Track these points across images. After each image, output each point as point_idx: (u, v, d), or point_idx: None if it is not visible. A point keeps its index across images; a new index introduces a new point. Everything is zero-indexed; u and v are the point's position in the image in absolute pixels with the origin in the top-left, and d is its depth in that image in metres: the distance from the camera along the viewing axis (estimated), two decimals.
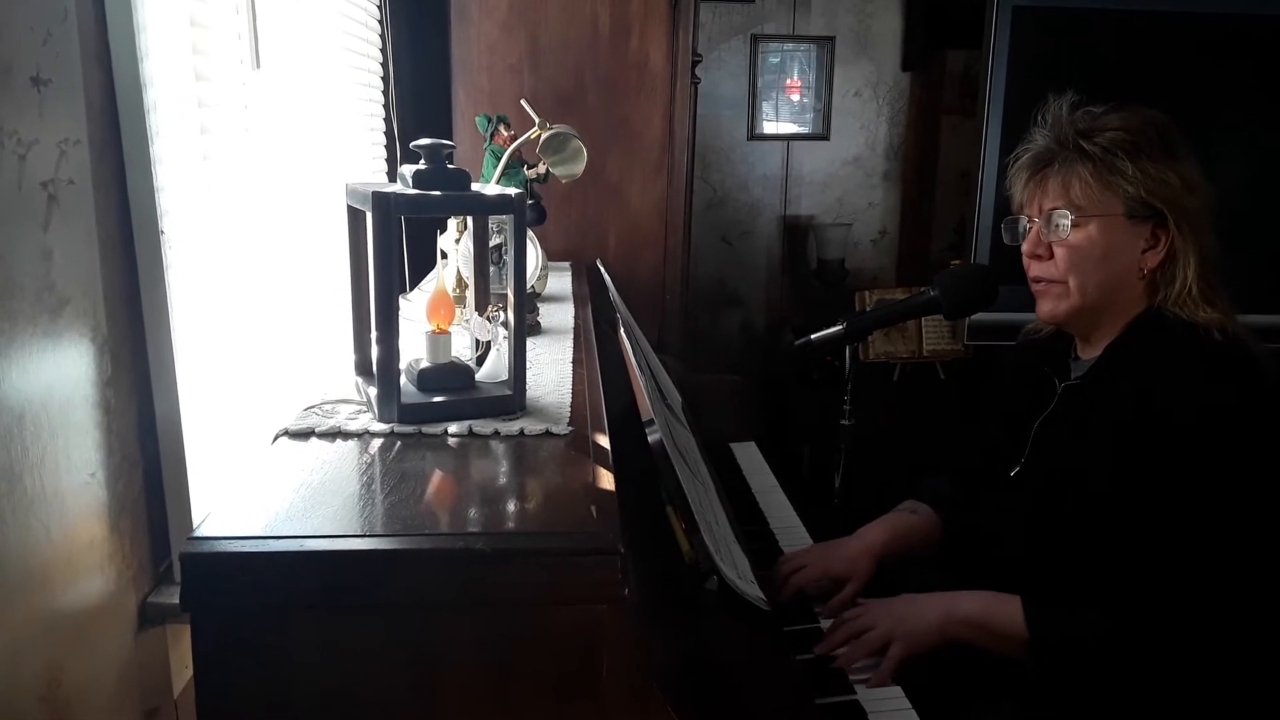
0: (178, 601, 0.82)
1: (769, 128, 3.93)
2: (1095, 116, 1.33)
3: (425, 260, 2.05)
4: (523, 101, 1.60)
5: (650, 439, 1.23)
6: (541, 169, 1.62)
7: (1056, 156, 1.33)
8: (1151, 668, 1.20)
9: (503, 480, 0.98)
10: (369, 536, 0.82)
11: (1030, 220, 1.37)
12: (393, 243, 1.02)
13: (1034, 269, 1.37)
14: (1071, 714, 1.25)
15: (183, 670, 1.13)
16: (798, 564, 1.49)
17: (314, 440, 1.03)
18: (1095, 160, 1.29)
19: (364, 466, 0.97)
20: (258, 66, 1.36)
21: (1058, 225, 1.31)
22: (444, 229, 1.49)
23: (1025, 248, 1.37)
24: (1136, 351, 1.31)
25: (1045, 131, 1.36)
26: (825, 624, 1.38)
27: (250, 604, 0.80)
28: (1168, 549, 1.20)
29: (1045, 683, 1.24)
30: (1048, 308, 1.37)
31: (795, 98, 3.92)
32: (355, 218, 1.14)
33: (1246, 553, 1.19)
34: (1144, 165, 1.28)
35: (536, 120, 1.53)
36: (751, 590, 1.21)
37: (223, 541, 0.80)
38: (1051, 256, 1.34)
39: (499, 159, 1.58)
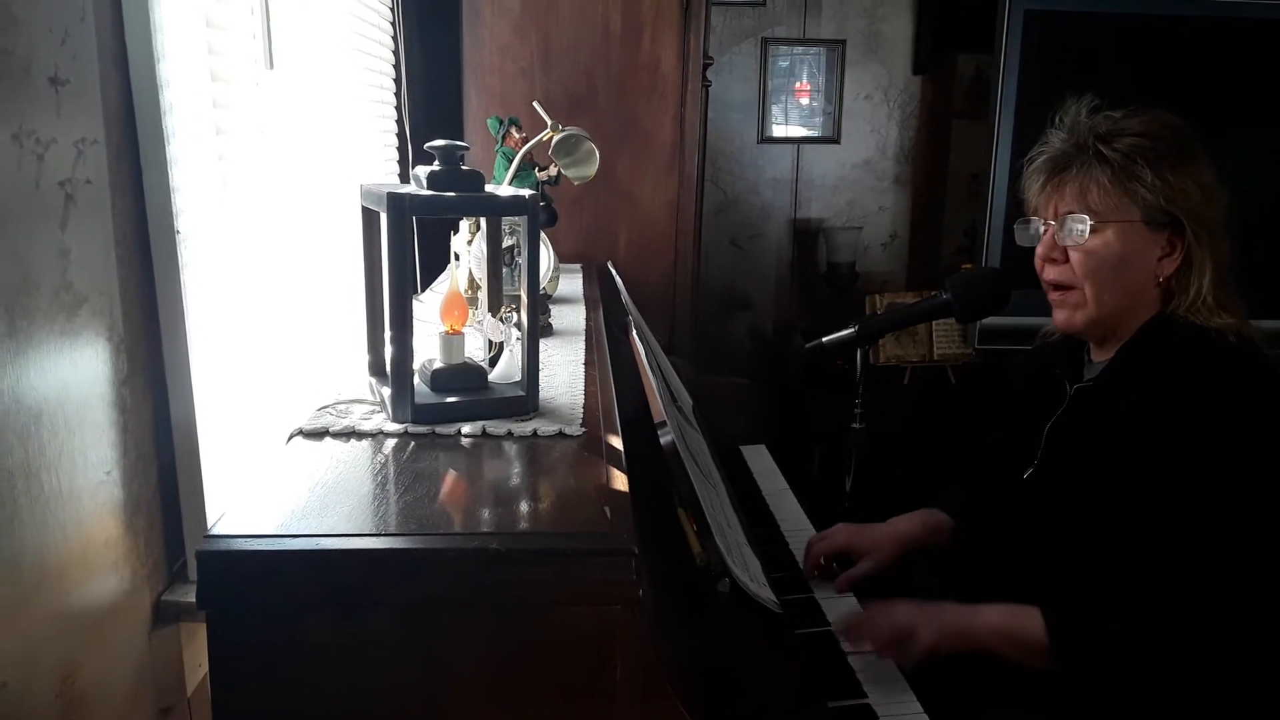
0: (192, 600, 0.82)
1: (778, 131, 3.93)
2: (1114, 120, 1.31)
3: (437, 261, 2.05)
4: (535, 103, 1.61)
5: (662, 441, 1.23)
6: (553, 171, 1.62)
7: (1074, 160, 1.31)
8: (1173, 670, 1.19)
9: (516, 481, 0.98)
10: (383, 535, 0.83)
11: (1045, 223, 1.35)
12: (407, 243, 1.02)
13: (1049, 273, 1.36)
14: (1084, 717, 1.24)
15: (196, 668, 1.13)
16: (824, 537, 1.53)
17: (328, 440, 1.03)
18: (1114, 166, 1.28)
19: (378, 466, 0.98)
20: (271, 67, 1.37)
21: (1074, 230, 1.30)
22: (456, 230, 1.50)
23: (1040, 251, 1.36)
24: (1149, 353, 1.31)
25: (1062, 134, 1.34)
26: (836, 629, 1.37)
27: (265, 602, 0.80)
28: (1181, 550, 1.20)
29: (1072, 690, 1.23)
30: (1063, 317, 1.36)
31: (805, 101, 3.92)
32: (369, 218, 1.15)
33: (1259, 554, 1.18)
34: (1164, 174, 1.26)
35: (549, 122, 1.53)
36: (763, 592, 1.20)
37: (238, 540, 0.81)
38: (1067, 261, 1.32)
39: (510, 161, 1.59)
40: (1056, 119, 1.36)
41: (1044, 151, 1.36)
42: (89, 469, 0.91)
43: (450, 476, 0.96)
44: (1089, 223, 1.29)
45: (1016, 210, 1.42)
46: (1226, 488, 1.19)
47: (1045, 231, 1.35)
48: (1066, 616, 1.23)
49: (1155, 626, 1.19)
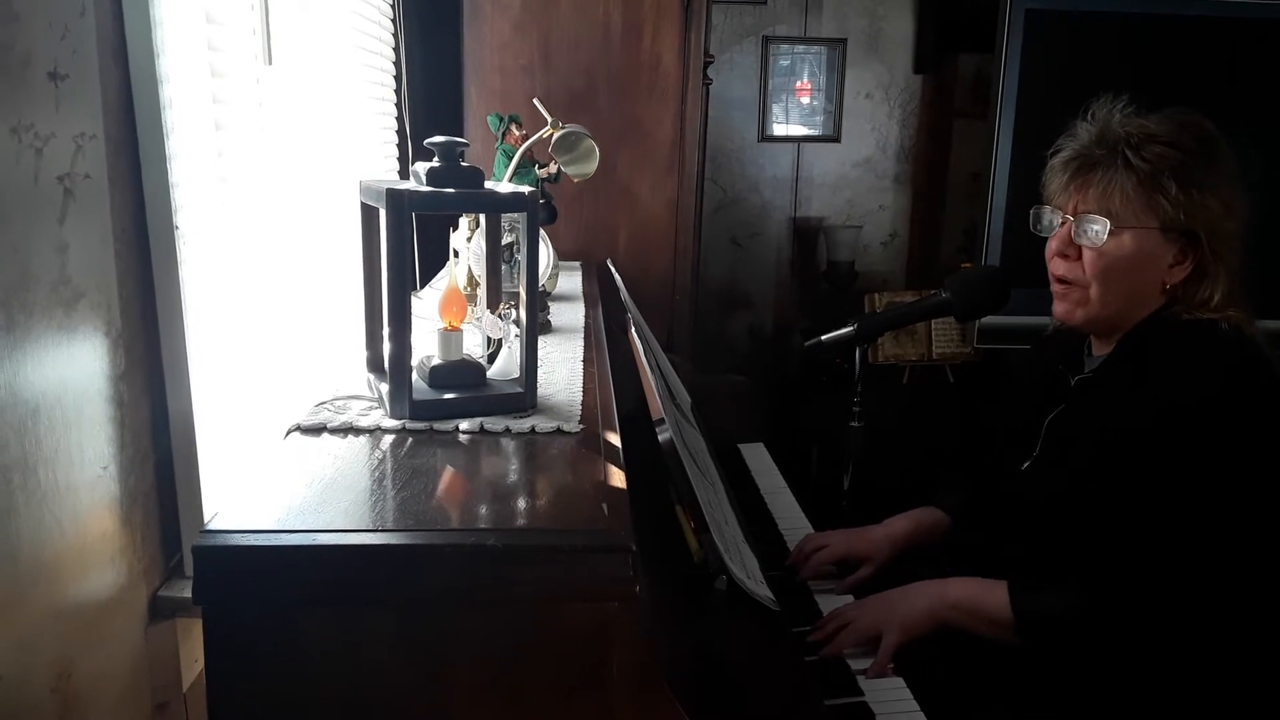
0: (188, 595, 0.82)
1: (779, 129, 3.93)
2: (1146, 127, 1.30)
3: (435, 258, 2.05)
4: (536, 101, 1.60)
5: (660, 438, 1.23)
6: (553, 168, 1.62)
7: (1101, 162, 1.30)
8: (1125, 644, 1.21)
9: (514, 477, 0.98)
10: (380, 531, 0.83)
11: (1063, 217, 1.34)
12: (406, 240, 1.02)
13: (1059, 267, 1.35)
14: (1079, 716, 1.25)
15: (192, 664, 1.13)
16: (821, 543, 1.53)
17: (326, 436, 1.03)
18: (1140, 175, 1.27)
19: (375, 462, 0.97)
20: (270, 62, 1.36)
21: (1092, 231, 1.29)
22: (456, 227, 1.50)
23: (1054, 245, 1.35)
24: (1147, 345, 1.32)
25: (1092, 130, 1.33)
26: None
27: (261, 597, 0.80)
28: (1150, 527, 1.21)
29: (1031, 660, 1.25)
30: (1064, 309, 1.36)
31: (805, 99, 3.92)
32: (368, 215, 1.15)
33: (1235, 536, 1.19)
34: (1188, 189, 1.26)
35: (549, 119, 1.53)
36: (760, 590, 1.20)
37: (235, 535, 0.80)
38: (1079, 257, 1.32)
39: (510, 158, 1.58)
40: (1089, 114, 1.35)
41: (1070, 146, 1.35)
42: (86, 464, 0.91)
43: (448, 473, 0.96)
44: (1108, 225, 1.28)
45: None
46: (1203, 471, 1.20)
47: (1061, 225, 1.35)
48: (1029, 591, 1.25)
49: (1109, 599, 1.21)
